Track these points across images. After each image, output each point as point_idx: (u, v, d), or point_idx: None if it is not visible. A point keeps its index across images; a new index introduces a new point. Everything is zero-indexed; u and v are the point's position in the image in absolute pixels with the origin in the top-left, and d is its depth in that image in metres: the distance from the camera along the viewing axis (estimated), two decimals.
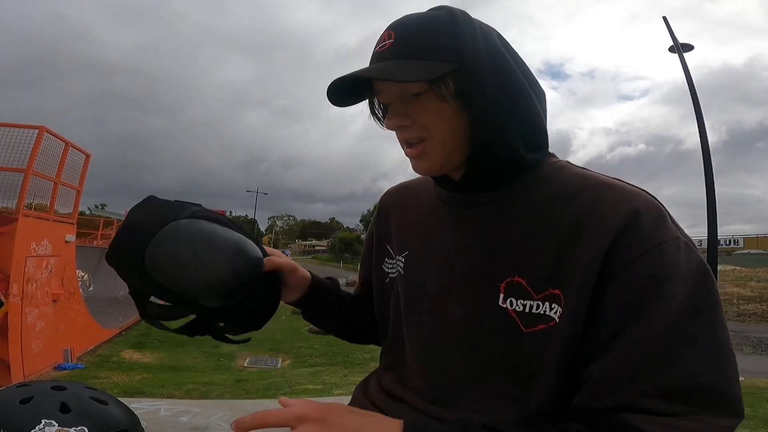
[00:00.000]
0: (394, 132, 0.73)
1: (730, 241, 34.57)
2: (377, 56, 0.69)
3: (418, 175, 0.77)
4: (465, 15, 0.69)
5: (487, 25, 0.70)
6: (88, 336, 8.46)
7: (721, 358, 0.57)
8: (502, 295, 0.68)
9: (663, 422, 0.55)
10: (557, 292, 0.63)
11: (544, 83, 0.73)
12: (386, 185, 0.99)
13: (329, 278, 0.97)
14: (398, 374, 0.81)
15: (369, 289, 0.94)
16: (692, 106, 8.51)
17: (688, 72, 8.74)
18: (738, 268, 24.23)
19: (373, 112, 0.76)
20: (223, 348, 9.66)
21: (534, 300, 0.65)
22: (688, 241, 0.61)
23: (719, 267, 8.76)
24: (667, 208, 0.65)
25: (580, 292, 0.61)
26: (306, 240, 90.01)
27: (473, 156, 0.70)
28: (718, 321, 0.59)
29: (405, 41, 0.67)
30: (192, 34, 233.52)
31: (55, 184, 7.74)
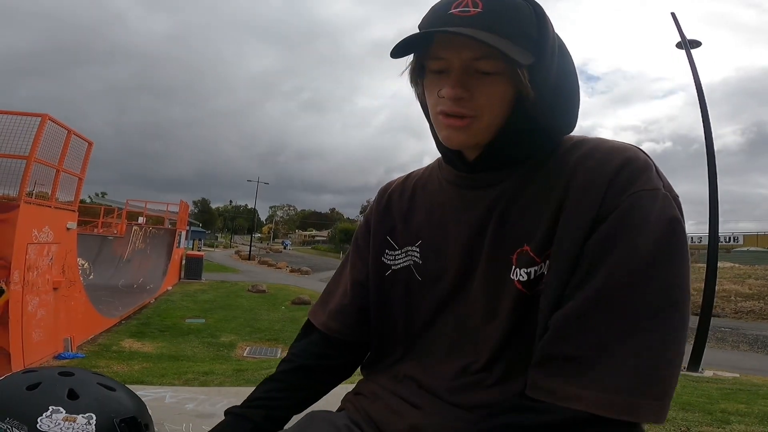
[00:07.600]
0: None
1: (730, 238, 34.48)
2: (459, 20, 0.64)
3: (416, 168, 0.77)
4: (542, 10, 0.68)
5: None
6: (88, 325, 8.45)
7: (665, 327, 0.57)
8: (514, 267, 0.69)
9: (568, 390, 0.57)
10: (552, 249, 0.65)
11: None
12: None
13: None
14: (419, 362, 0.79)
15: (359, 293, 0.87)
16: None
17: (695, 67, 8.66)
18: (737, 265, 24.17)
19: (413, 72, 0.73)
20: (223, 338, 9.71)
21: (537, 264, 0.67)
22: (668, 194, 0.62)
23: (718, 264, 8.74)
24: (656, 164, 0.65)
25: (572, 241, 0.63)
26: (306, 230, 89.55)
27: (498, 140, 0.70)
28: (675, 276, 0.59)
29: (495, 15, 0.64)
30: (225, 23, 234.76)
31: (57, 171, 7.72)
